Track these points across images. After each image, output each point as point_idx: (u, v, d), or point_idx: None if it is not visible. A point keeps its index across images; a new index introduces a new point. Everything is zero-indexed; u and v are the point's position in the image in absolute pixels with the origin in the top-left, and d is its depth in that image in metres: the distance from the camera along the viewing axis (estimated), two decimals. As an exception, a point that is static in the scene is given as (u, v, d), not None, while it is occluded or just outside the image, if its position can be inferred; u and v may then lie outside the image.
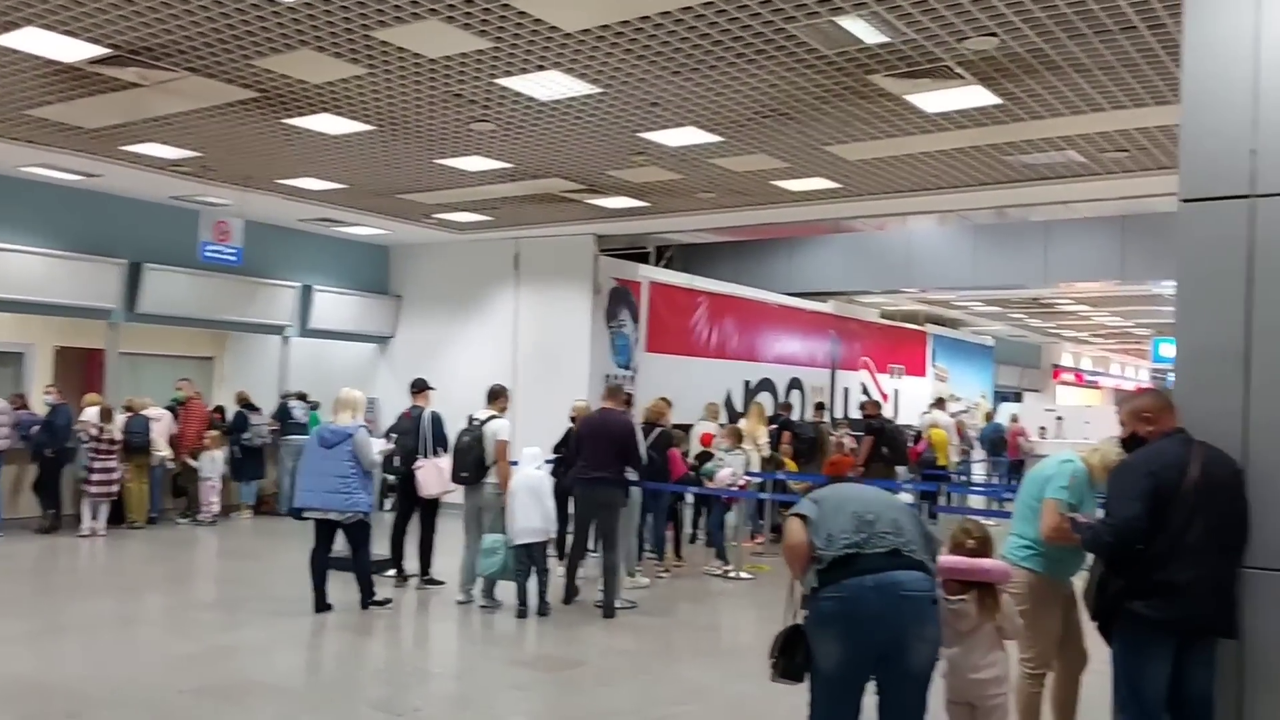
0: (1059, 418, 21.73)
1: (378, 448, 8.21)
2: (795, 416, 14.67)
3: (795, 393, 17.66)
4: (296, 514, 7.96)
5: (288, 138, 9.52)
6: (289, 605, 8.03)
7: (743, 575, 9.90)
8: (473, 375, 13.97)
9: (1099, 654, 4.87)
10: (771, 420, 13.21)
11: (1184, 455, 3.88)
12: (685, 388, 14.45)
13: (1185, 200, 4.51)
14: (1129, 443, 4.14)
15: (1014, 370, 29.36)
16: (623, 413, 8.64)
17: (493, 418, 8.32)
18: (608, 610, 8.06)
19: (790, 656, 3.69)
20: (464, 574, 8.37)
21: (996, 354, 26.49)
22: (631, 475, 8.64)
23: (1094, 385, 35.46)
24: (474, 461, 8.20)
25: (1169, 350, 23.03)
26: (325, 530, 7.79)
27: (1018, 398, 28.46)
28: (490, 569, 7.95)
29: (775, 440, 12.40)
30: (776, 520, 11.76)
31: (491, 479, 8.22)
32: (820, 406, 14.88)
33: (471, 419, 8.44)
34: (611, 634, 7.72)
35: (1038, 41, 6.48)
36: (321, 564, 7.83)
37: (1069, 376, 32.75)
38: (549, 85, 7.60)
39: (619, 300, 14.13)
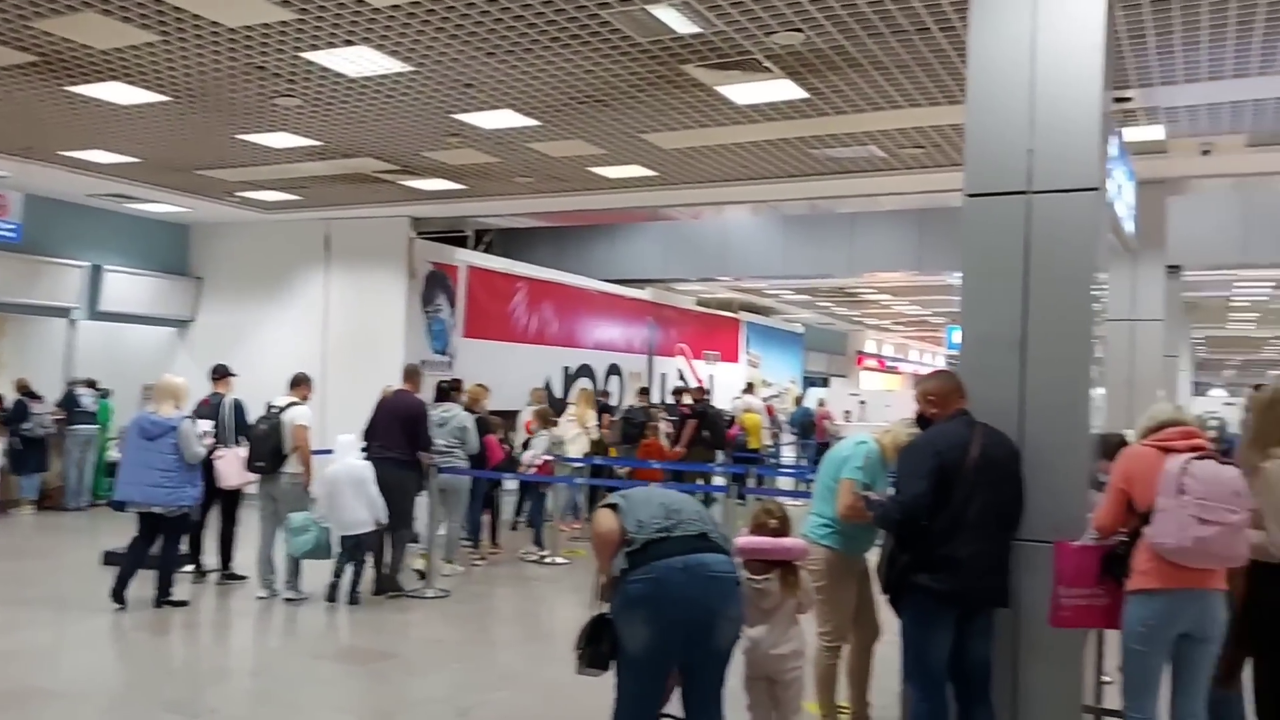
0: (862, 401, 22.78)
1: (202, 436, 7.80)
2: (614, 402, 14.81)
3: (614, 379, 17.84)
4: (119, 507, 7.65)
5: (72, 107, 8.87)
6: (77, 606, 7.53)
7: (558, 560, 9.93)
8: (280, 362, 13.38)
9: (891, 626, 5.15)
10: (602, 409, 13.35)
11: (966, 436, 4.13)
12: (504, 374, 14.36)
13: (970, 195, 4.79)
14: (922, 423, 4.38)
15: (822, 356, 30.58)
16: (415, 395, 8.63)
17: (292, 404, 8.08)
18: (390, 585, 8.16)
19: (595, 645, 3.69)
20: (262, 567, 8.08)
21: (806, 341, 27.52)
22: (461, 458, 8.80)
23: (895, 371, 37.33)
24: (271, 450, 7.94)
25: (960, 337, 24.49)
26: (148, 524, 7.50)
27: (825, 383, 29.67)
28: (303, 548, 7.68)
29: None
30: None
31: (290, 468, 7.98)
32: (644, 392, 15.08)
33: (270, 406, 8.17)
34: (423, 623, 7.61)
35: (840, 39, 6.74)
36: (136, 557, 7.53)
37: (872, 363, 34.37)
38: (358, 61, 7.36)
39: (435, 285, 13.88)
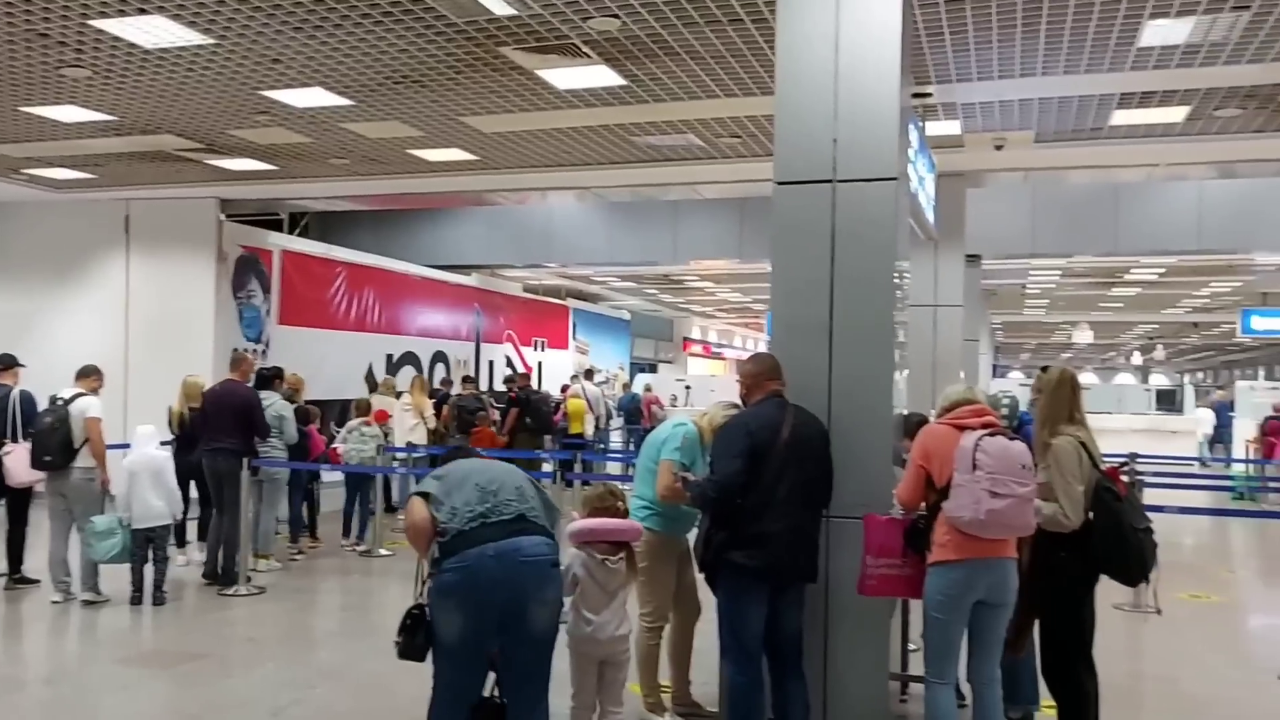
0: (688, 387, 23.22)
1: None
2: (455, 391, 14.56)
3: (440, 366, 17.54)
4: None
5: None
6: None
7: (381, 552, 9.70)
8: (76, 351, 12.51)
9: (712, 605, 5.27)
10: (432, 394, 13.12)
11: (779, 417, 4.25)
12: (324, 362, 13.93)
13: (779, 183, 4.94)
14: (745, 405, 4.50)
15: (649, 343, 31.00)
16: (243, 383, 8.55)
17: (79, 396, 7.62)
18: (228, 577, 8.02)
19: (412, 635, 3.65)
20: (55, 569, 7.60)
21: (633, 327, 27.81)
22: (279, 448, 8.75)
23: (719, 356, 38.23)
24: (59, 444, 7.44)
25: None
26: None
27: (653, 369, 30.11)
28: (108, 553, 7.23)
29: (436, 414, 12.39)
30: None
31: (82, 463, 7.51)
32: (469, 380, 14.90)
33: (55, 399, 7.68)
34: (236, 622, 7.29)
35: (656, 27, 6.80)
36: None
37: (698, 348, 35.07)
38: (153, 32, 6.93)
39: (247, 269, 13.27)
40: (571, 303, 23.72)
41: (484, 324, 19.35)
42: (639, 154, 10.74)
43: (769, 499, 4.11)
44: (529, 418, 13.02)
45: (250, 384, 8.79)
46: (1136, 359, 52.53)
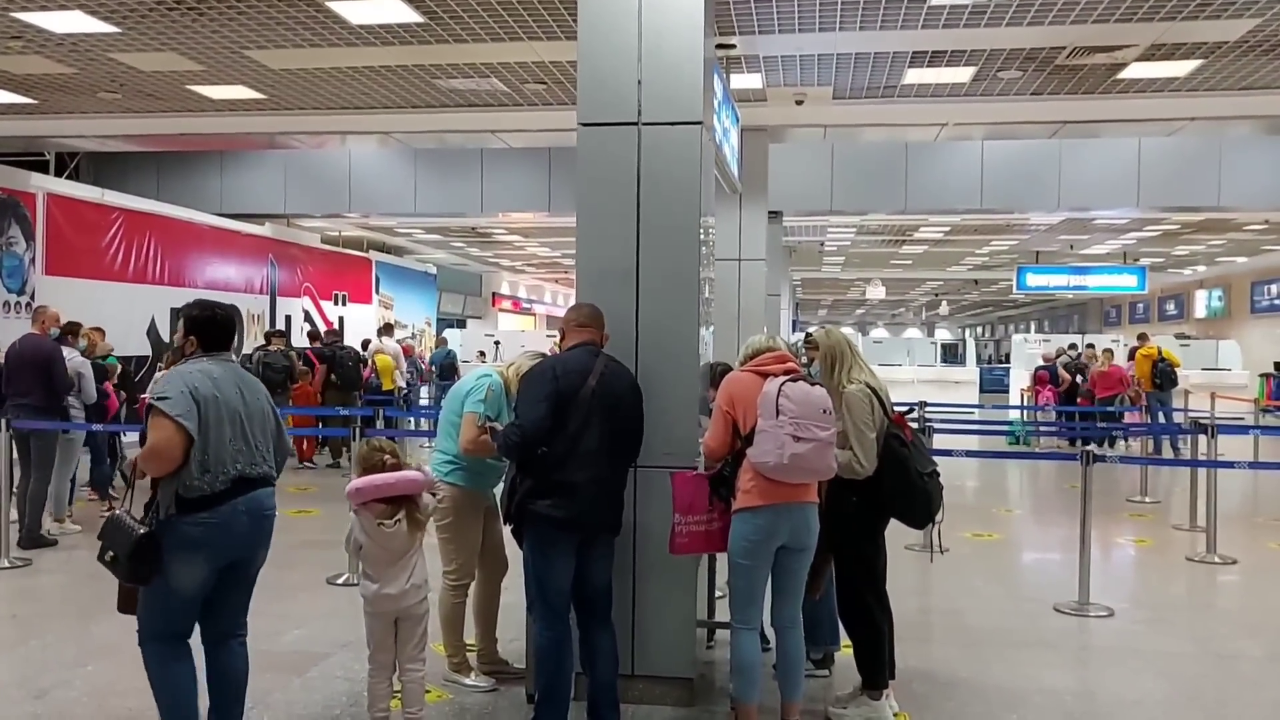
0: (497, 342, 22.90)
1: None
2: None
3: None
4: None
5: None
6: None
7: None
8: None
9: (518, 561, 5.14)
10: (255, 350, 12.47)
11: (587, 365, 4.13)
12: (100, 315, 12.82)
13: (583, 125, 4.79)
14: None
15: (457, 298, 30.39)
16: (47, 337, 8.22)
17: None
18: (33, 539, 7.77)
19: (140, 564, 3.53)
20: None
21: (440, 282, 27.16)
22: (75, 406, 8.35)
23: (529, 312, 37.94)
24: None
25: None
26: None
27: (461, 324, 29.56)
28: None
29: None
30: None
31: None
32: (280, 335, 14.16)
33: None
34: (3, 595, 6.65)
35: (457, -40, 6.50)
36: None
37: (507, 304, 34.66)
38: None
39: (6, 214, 12.08)
40: (374, 255, 22.90)
41: (279, 276, 18.42)
42: (441, 98, 10.36)
43: (573, 448, 3.99)
44: (335, 375, 12.52)
45: (53, 338, 8.34)
46: (923, 315, 55.62)
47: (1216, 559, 7.73)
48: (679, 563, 4.56)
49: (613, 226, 4.72)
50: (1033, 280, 23.95)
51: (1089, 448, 6.45)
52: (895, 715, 4.43)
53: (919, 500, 4.30)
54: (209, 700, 3.84)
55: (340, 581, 6.83)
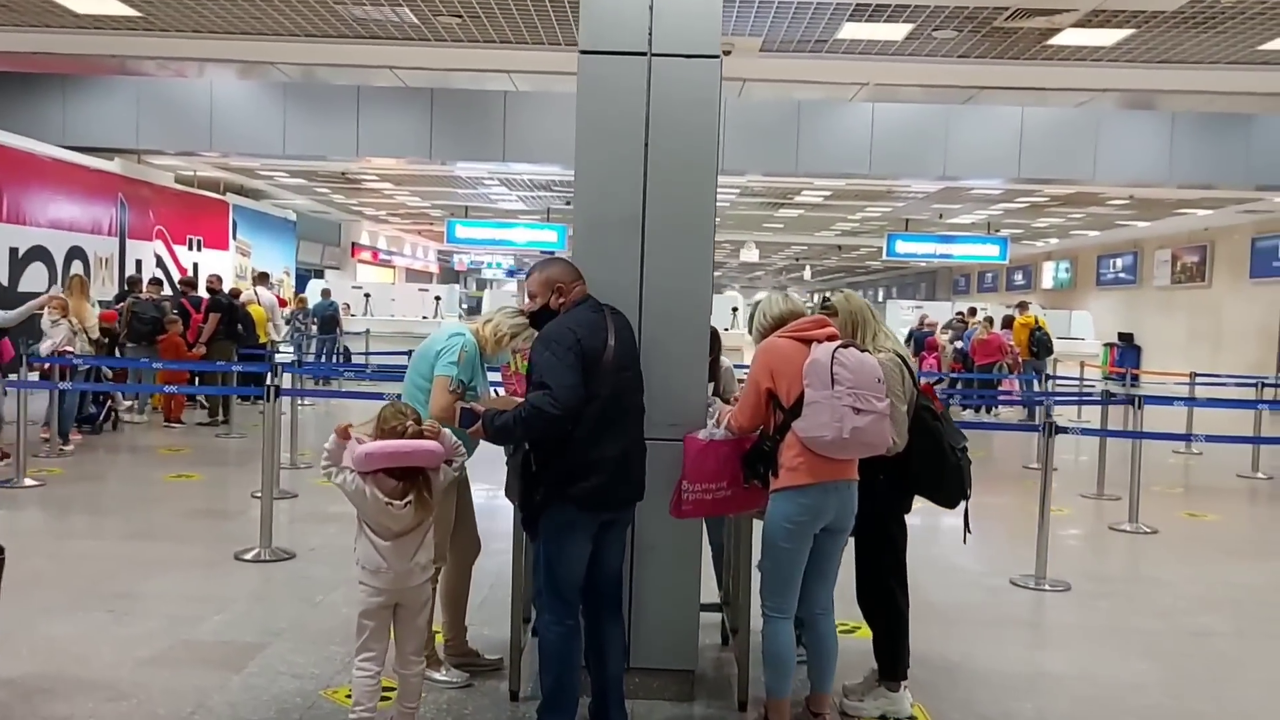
0: (367, 295, 21.81)
1: None
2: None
3: (77, 263, 15.08)
4: None
5: None
6: None
7: (27, 482, 8.04)
8: None
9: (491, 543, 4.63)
10: (119, 299, 11.31)
11: (602, 323, 3.64)
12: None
13: (584, 52, 4.24)
14: (539, 316, 3.79)
15: (315, 247, 28.85)
16: None
17: None
18: None
19: None
20: None
21: (299, 230, 25.65)
22: None
23: (389, 264, 36.49)
24: None
25: (464, 232, 24.32)
26: None
27: (320, 274, 28.08)
28: None
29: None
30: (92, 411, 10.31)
31: None
32: (157, 282, 13.00)
33: None
34: None
35: None
36: None
37: (367, 255, 33.19)
38: None
39: None
40: (232, 199, 21.35)
41: (129, 218, 16.88)
42: (342, 27, 9.47)
43: (601, 417, 3.50)
44: (238, 324, 11.61)
45: None
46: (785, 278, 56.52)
47: (1144, 528, 7.83)
48: (681, 545, 4.15)
49: (616, 170, 4.20)
50: (901, 248, 24.34)
51: (1051, 419, 6.33)
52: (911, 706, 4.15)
53: (951, 477, 4.00)
54: None
55: (250, 557, 6.11)
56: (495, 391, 4.67)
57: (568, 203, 24.35)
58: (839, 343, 3.64)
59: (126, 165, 17.01)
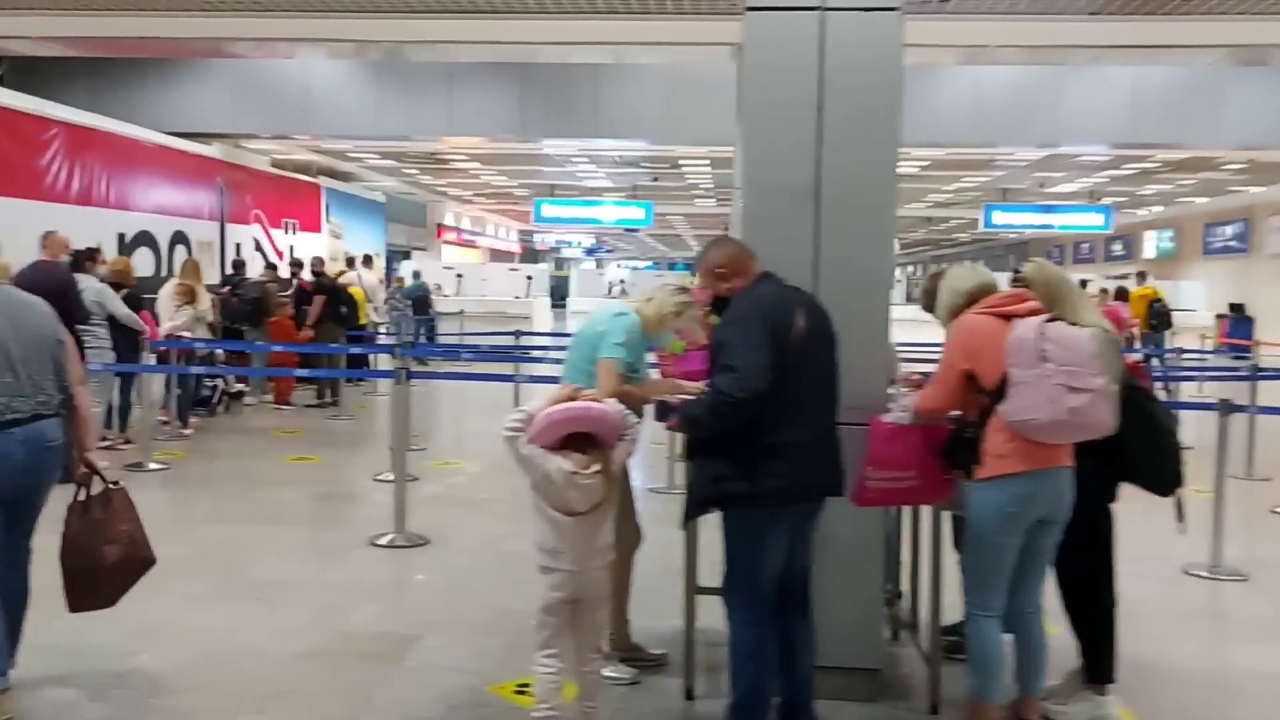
0: (459, 275, 21.85)
1: None
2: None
3: (180, 248, 15.27)
4: None
5: None
6: None
7: (151, 466, 8.07)
8: None
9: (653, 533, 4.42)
10: (225, 282, 11.46)
11: (788, 300, 3.38)
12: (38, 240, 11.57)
13: (750, 9, 3.95)
14: (718, 304, 3.54)
15: (402, 228, 29.04)
16: (60, 264, 7.84)
17: None
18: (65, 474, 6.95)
19: None
20: None
21: (387, 211, 25.80)
22: (102, 335, 8.04)
23: (472, 244, 36.64)
24: None
25: (551, 210, 24.22)
26: None
27: (406, 256, 28.27)
28: None
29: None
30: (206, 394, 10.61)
31: None
32: (271, 266, 13.21)
33: None
34: None
35: None
36: None
37: (452, 235, 33.34)
38: None
39: (-68, 125, 10.71)
40: (324, 181, 21.51)
41: (229, 202, 17.06)
42: (428, 3, 9.31)
43: (791, 402, 3.25)
44: (342, 306, 11.65)
45: (63, 263, 8.00)
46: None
47: (1304, 511, 7.36)
48: (863, 536, 3.89)
49: (786, 135, 3.91)
50: (999, 218, 23.62)
51: (1226, 398, 5.90)
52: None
53: (1168, 462, 3.66)
54: None
55: (385, 542, 5.99)
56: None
57: (655, 179, 24.10)
58: (1044, 317, 3.32)
59: (225, 150, 17.18)
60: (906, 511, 4.39)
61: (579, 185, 26.17)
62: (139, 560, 3.83)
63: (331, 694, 3.88)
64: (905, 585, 4.60)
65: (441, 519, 6.53)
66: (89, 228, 12.96)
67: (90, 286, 8.09)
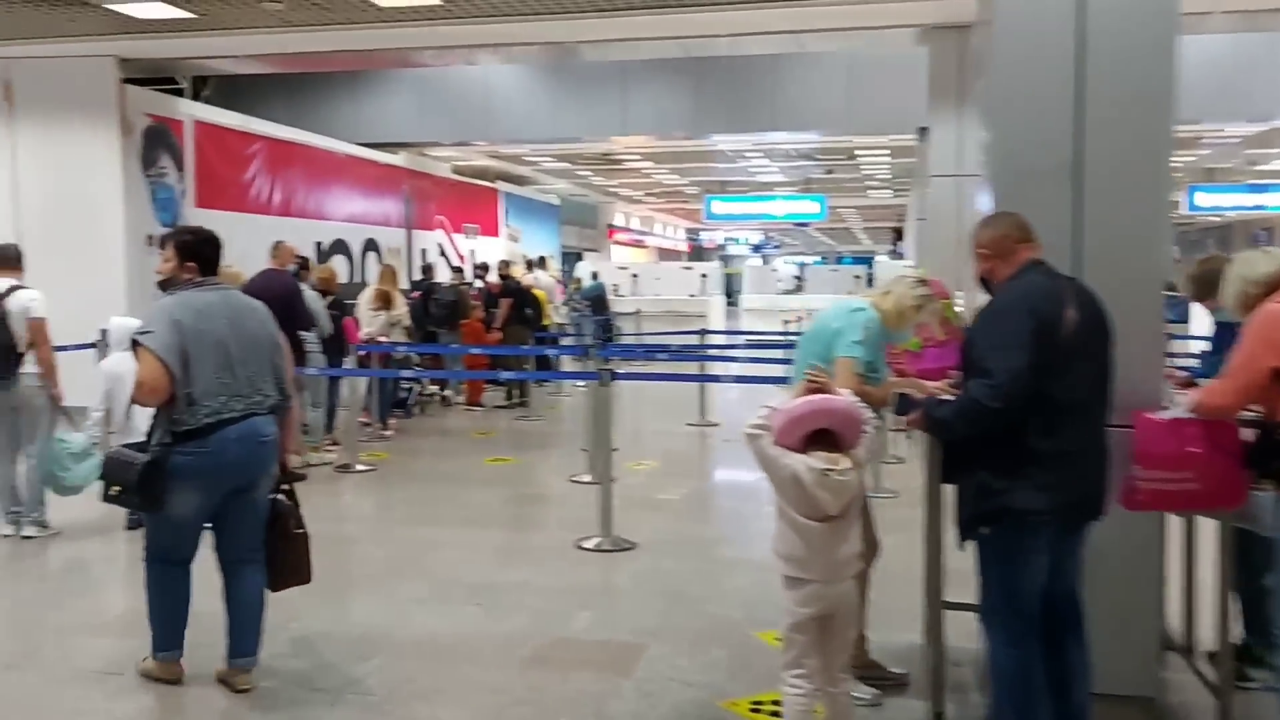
0: (635, 275, 21.93)
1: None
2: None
3: (371, 255, 15.83)
4: None
5: None
6: None
7: (359, 467, 8.28)
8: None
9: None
10: (415, 287, 11.84)
11: (1057, 291, 3.05)
12: (247, 251, 12.07)
13: (1003, -27, 3.64)
14: (985, 284, 3.25)
15: (575, 230, 29.42)
16: (286, 272, 8.10)
17: (15, 289, 5.93)
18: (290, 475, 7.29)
19: (152, 489, 3.59)
20: (4, 497, 6.11)
21: (561, 213, 26.17)
22: (314, 342, 8.20)
23: (640, 244, 36.84)
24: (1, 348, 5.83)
25: (721, 207, 24.03)
26: None
27: (579, 257, 28.61)
28: (89, 478, 5.50)
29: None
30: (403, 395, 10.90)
31: (29, 368, 5.90)
32: (458, 270, 13.60)
33: None
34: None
35: None
36: None
37: (623, 236, 33.60)
38: None
39: (157, 143, 11.34)
40: (501, 186, 21.97)
41: (414, 209, 17.59)
42: (583, 3, 9.24)
43: (1061, 407, 2.93)
44: (528, 308, 11.81)
45: (289, 272, 8.31)
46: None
47: None
48: (1138, 548, 3.52)
49: (1041, 109, 3.59)
50: (1203, 200, 22.04)
51: None
52: None
53: None
54: (227, 623, 3.82)
55: (591, 545, 5.91)
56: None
57: (829, 171, 23.56)
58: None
59: (410, 158, 17.72)
60: (1173, 519, 3.97)
61: (750, 181, 25.89)
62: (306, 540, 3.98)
63: (562, 705, 3.78)
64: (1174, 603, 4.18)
65: (643, 521, 6.41)
66: (289, 238, 13.51)
67: (308, 294, 8.37)
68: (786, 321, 15.73)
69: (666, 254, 39.80)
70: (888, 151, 19.99)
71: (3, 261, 6.09)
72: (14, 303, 5.86)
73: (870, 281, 23.37)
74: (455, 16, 9.65)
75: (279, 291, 7.59)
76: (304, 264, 9.03)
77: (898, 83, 14.12)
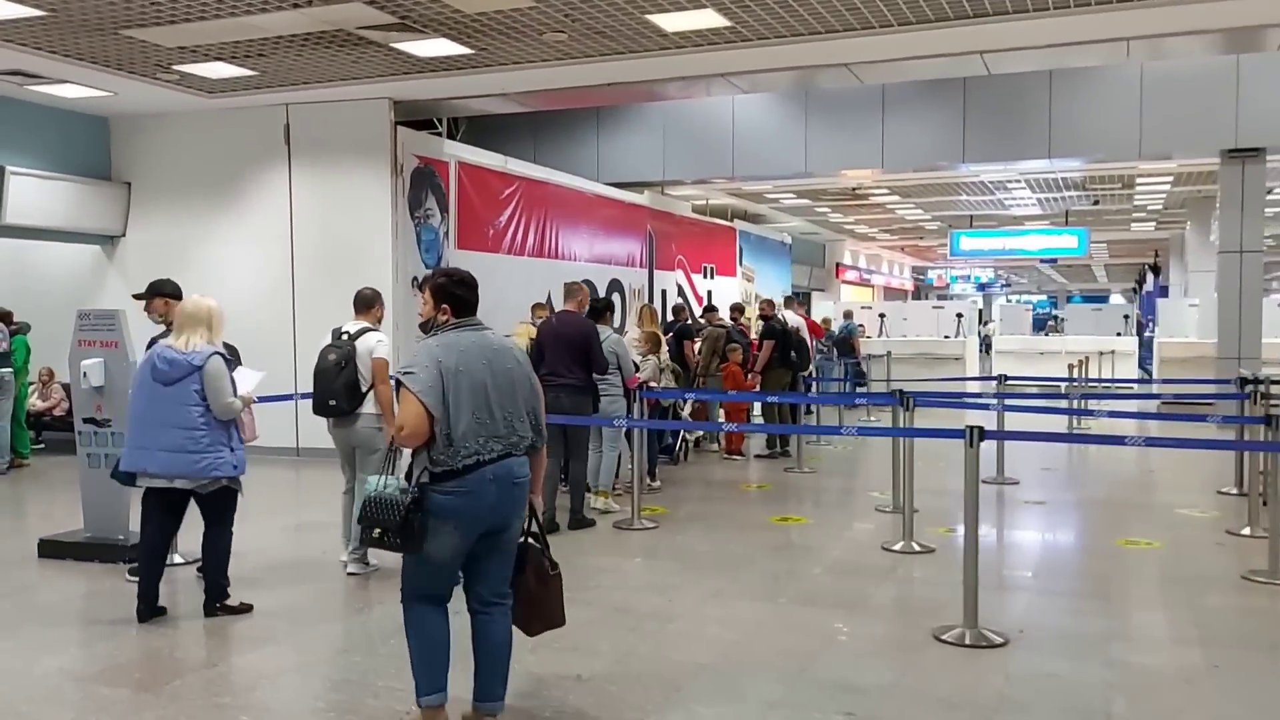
0: (881, 315, 20.84)
1: (248, 384, 5.56)
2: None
3: (615, 296, 15.46)
4: (127, 479, 5.40)
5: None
6: (59, 616, 5.32)
7: (644, 523, 7.66)
8: (242, 283, 10.98)
9: None
10: (666, 329, 11.42)
11: None
12: (501, 292, 11.83)
13: None
14: None
15: (804, 269, 28.54)
16: (580, 314, 7.97)
17: (365, 330, 6.23)
18: (577, 519, 7.62)
19: (412, 529, 3.52)
20: (348, 530, 6.22)
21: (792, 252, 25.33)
22: (615, 385, 8.09)
23: (867, 283, 35.53)
24: (344, 387, 6.10)
25: (970, 243, 22.59)
26: (167, 502, 5.39)
27: (807, 297, 27.68)
28: None
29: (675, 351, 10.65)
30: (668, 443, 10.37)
31: (369, 408, 6.17)
32: (712, 309, 13.10)
33: (338, 331, 6.29)
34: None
35: None
36: (155, 550, 5.43)
37: (852, 275, 32.44)
38: None
39: (423, 184, 11.30)
40: (738, 224, 21.36)
41: (656, 248, 17.17)
42: (922, 12, 8.35)
43: None
44: (792, 351, 11.02)
45: (584, 314, 8.12)
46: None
47: None
48: None
49: None
50: None
51: None
52: None
53: None
54: (474, 665, 3.76)
55: (951, 638, 4.95)
56: None
57: (1095, 202, 21.74)
58: None
59: (653, 198, 17.36)
60: None
61: (998, 214, 24.29)
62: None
63: None
64: None
65: (992, 604, 5.40)
66: (540, 279, 13.30)
67: (609, 338, 8.08)
68: (1071, 366, 14.21)
69: (892, 292, 38.26)
70: (1170, 179, 18.14)
71: (357, 304, 6.36)
72: (363, 344, 6.12)
73: (1142, 323, 21.26)
74: (743, 39, 9.03)
75: (575, 335, 7.67)
76: (609, 305, 8.92)
77: (1193, 98, 12.67)
